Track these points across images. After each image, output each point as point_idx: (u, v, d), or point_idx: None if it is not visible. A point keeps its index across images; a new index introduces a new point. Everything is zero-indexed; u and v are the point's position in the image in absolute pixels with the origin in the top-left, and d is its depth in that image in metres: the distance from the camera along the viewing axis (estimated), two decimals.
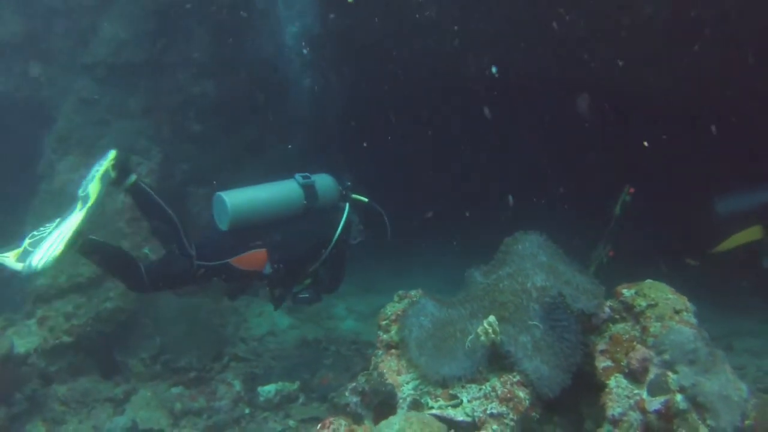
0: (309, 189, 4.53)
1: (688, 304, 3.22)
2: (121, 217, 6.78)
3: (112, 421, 5.03)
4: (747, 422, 2.90)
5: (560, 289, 3.17)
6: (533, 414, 2.95)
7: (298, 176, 4.59)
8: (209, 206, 7.75)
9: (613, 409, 3.01)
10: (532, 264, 3.45)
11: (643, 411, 2.95)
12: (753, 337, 6.61)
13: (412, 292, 3.93)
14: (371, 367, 3.62)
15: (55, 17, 7.83)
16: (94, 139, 7.27)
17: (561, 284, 3.24)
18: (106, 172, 3.86)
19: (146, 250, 6.68)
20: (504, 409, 2.86)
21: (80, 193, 3.84)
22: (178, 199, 7.46)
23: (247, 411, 5.26)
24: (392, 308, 3.81)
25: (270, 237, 4.40)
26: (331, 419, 3.10)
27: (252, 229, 4.36)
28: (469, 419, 2.88)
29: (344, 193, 4.79)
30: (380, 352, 3.63)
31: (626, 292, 3.36)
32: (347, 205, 4.75)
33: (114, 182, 3.94)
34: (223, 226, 4.31)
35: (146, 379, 5.81)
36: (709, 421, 2.84)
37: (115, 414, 5.34)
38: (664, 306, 3.19)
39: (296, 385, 5.43)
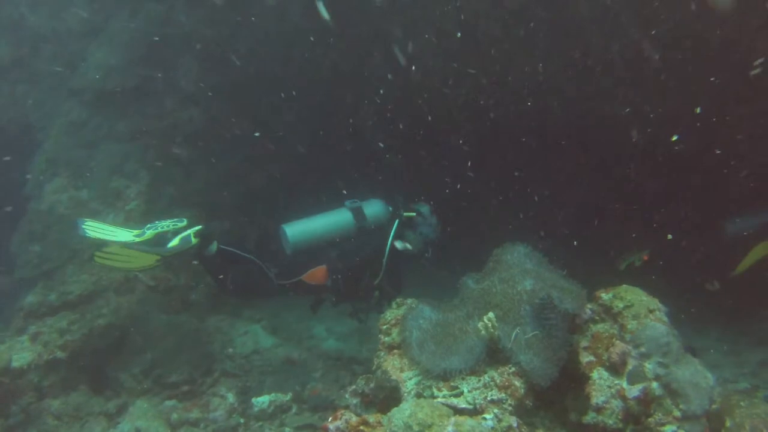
0: (357, 211, 5.33)
1: (660, 305, 3.62)
2: None
3: (116, 427, 5.20)
4: (714, 406, 3.29)
5: (548, 291, 3.53)
6: (527, 402, 3.28)
7: (347, 202, 5.39)
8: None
9: (597, 398, 3.37)
10: (521, 271, 3.82)
11: (624, 398, 3.31)
12: (712, 351, 7.10)
13: (408, 300, 4.24)
14: (374, 368, 3.91)
15: (43, 43, 8.06)
16: (82, 161, 7.46)
17: (548, 287, 3.60)
18: (188, 236, 4.92)
19: (139, 275, 6.87)
20: (503, 395, 3.18)
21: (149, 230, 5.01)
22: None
23: (241, 421, 5.48)
24: (391, 314, 4.11)
25: (328, 255, 5.18)
26: (342, 411, 3.38)
27: (313, 250, 5.20)
28: (470, 407, 3.19)
29: (394, 212, 5.45)
30: (382, 353, 3.92)
31: (604, 295, 3.74)
32: (396, 221, 5.38)
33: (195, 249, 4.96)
34: (288, 251, 5.21)
35: (138, 394, 5.96)
36: (681, 405, 3.21)
37: (109, 427, 5.51)
38: (639, 306, 3.57)
39: (289, 396, 5.66)
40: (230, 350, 6.78)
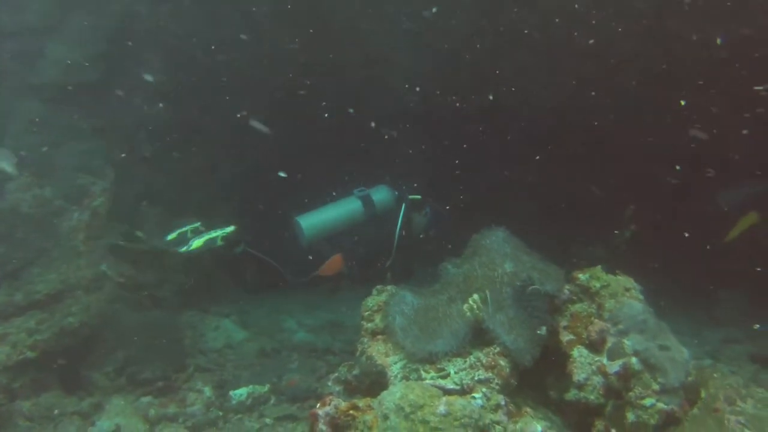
0: (366, 199, 5.53)
1: (635, 284, 3.75)
2: (77, 236, 6.84)
3: (95, 425, 5.13)
4: (689, 378, 3.43)
5: (529, 273, 3.63)
6: (512, 381, 3.37)
7: (355, 191, 5.59)
8: (160, 226, 7.95)
9: (578, 375, 3.49)
10: (500, 254, 3.91)
11: (605, 374, 3.43)
12: (674, 334, 7.34)
13: (389, 287, 4.29)
14: (358, 354, 3.95)
15: (1, 38, 7.83)
16: (45, 159, 7.28)
17: (528, 269, 3.70)
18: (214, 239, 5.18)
19: (103, 267, 6.78)
20: (490, 374, 3.26)
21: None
22: (130, 219, 7.58)
23: (220, 414, 5.46)
24: (373, 300, 4.15)
25: (342, 243, 5.41)
26: (330, 397, 3.41)
27: (327, 240, 5.45)
28: (458, 387, 3.26)
29: (399, 197, 5.65)
30: (365, 339, 3.96)
31: (582, 276, 3.85)
32: (403, 205, 5.57)
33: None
34: (304, 243, 5.42)
35: (111, 393, 5.87)
36: (659, 379, 3.34)
37: (84, 426, 5.43)
38: (616, 285, 3.70)
39: (266, 387, 5.68)
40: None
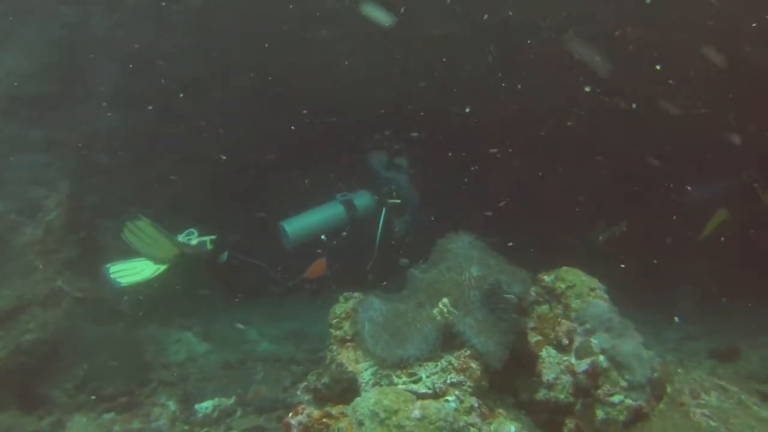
0: (348, 204, 5.66)
1: (600, 284, 3.83)
2: (31, 250, 6.67)
3: None
4: (655, 374, 3.50)
5: (497, 276, 3.66)
6: (484, 383, 3.39)
7: (338, 196, 5.70)
8: (116, 238, 7.78)
9: (548, 375, 3.54)
10: (467, 259, 3.93)
11: (573, 373, 3.49)
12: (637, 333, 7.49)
13: (355, 294, 4.28)
14: (327, 362, 3.92)
15: None
16: None
17: (496, 273, 3.73)
18: (204, 242, 5.20)
19: (59, 283, 6.62)
20: (462, 377, 3.27)
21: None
22: (86, 231, 7.41)
23: (186, 428, 5.37)
24: (340, 308, 4.11)
25: (326, 247, 5.49)
26: (302, 405, 3.38)
27: (311, 244, 5.53)
28: (430, 391, 3.27)
29: (380, 201, 5.79)
30: (335, 347, 3.93)
31: (547, 278, 3.92)
32: (384, 210, 5.71)
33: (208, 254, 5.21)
34: (288, 247, 5.50)
35: (72, 410, 5.74)
36: (626, 376, 3.40)
37: None
38: (581, 286, 3.76)
39: (232, 399, 5.61)
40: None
